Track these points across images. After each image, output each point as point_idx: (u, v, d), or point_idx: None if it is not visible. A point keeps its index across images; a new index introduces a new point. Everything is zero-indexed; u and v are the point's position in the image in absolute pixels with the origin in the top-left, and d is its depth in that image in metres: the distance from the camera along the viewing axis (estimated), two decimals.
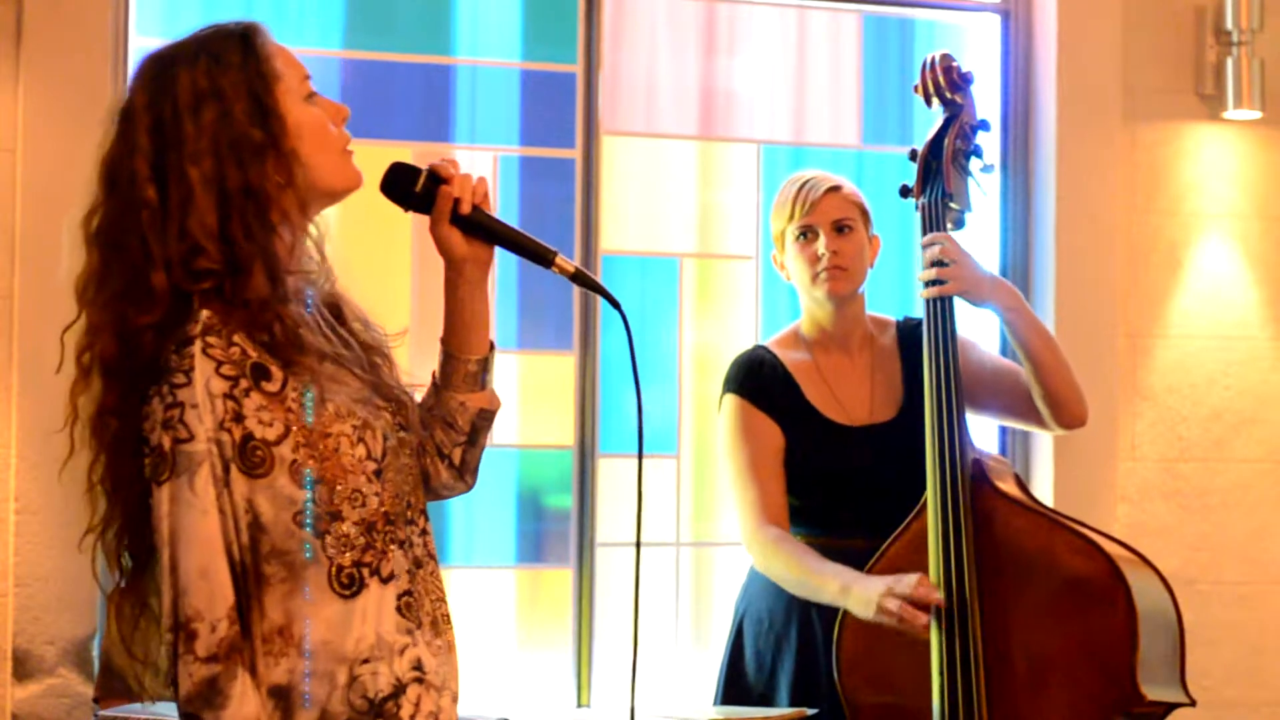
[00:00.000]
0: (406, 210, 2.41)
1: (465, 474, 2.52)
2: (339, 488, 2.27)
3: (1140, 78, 4.84)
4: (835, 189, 3.64)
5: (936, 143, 3.62)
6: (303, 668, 2.25)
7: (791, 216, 3.64)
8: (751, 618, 3.67)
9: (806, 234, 3.63)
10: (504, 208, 4.60)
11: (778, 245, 3.69)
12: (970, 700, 3.33)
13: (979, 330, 3.81)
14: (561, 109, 4.65)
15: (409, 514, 2.36)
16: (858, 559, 3.48)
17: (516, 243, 2.42)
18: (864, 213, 3.67)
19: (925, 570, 3.37)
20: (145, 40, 4.36)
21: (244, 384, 2.24)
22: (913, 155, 3.64)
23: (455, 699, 2.37)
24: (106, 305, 2.29)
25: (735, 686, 3.68)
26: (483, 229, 2.40)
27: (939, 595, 3.31)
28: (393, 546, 2.32)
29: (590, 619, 4.55)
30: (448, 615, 2.40)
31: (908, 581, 3.31)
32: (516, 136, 4.70)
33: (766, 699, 3.62)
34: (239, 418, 2.23)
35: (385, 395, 2.38)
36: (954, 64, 3.66)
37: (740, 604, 3.72)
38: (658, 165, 4.78)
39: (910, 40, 4.99)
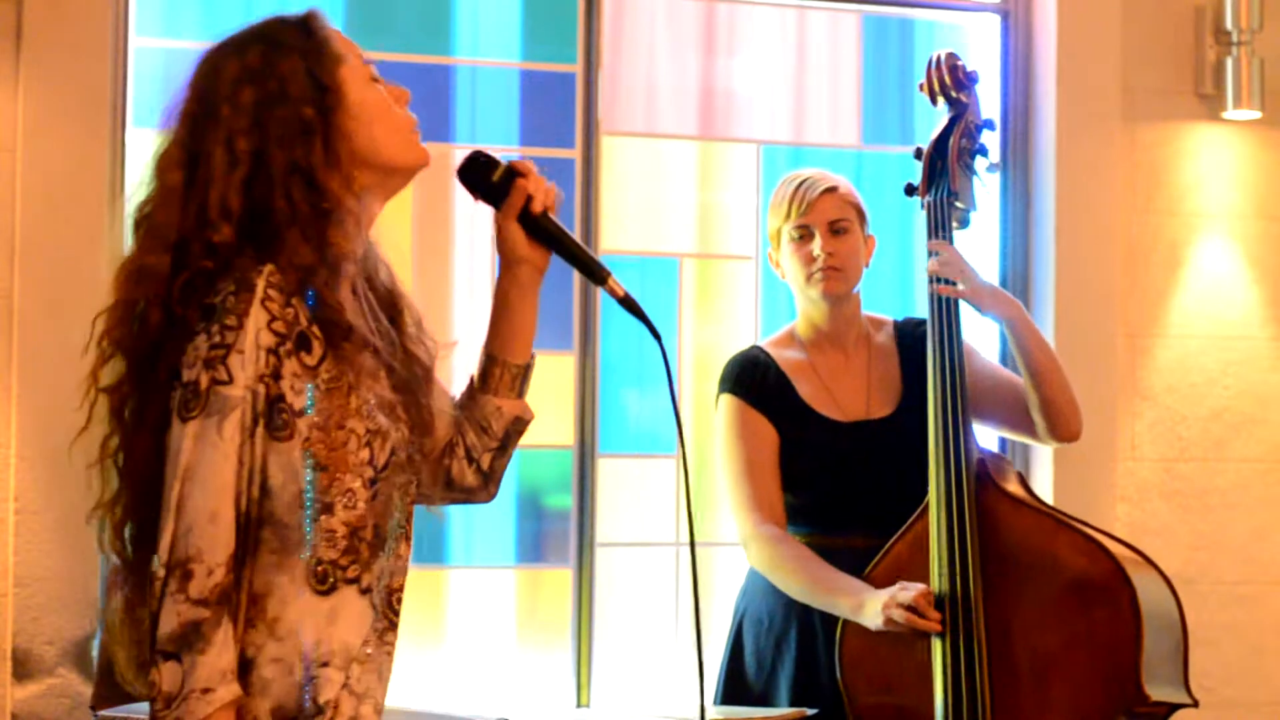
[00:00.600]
0: (477, 199, 2.45)
1: (490, 482, 2.52)
2: (337, 481, 2.25)
3: (1140, 78, 4.83)
4: (832, 189, 3.65)
5: (942, 141, 3.63)
6: (271, 649, 2.24)
7: (788, 216, 3.65)
8: (751, 618, 3.67)
9: (802, 234, 3.64)
10: None
11: (774, 244, 3.70)
12: (973, 700, 3.33)
13: (978, 341, 3.80)
14: (561, 109, 4.65)
15: (397, 533, 2.35)
16: (856, 557, 3.49)
17: (575, 254, 2.46)
18: (860, 213, 3.68)
19: (927, 568, 3.38)
20: (145, 40, 4.36)
21: (289, 346, 2.24)
22: (918, 154, 3.65)
23: (378, 710, 2.33)
24: (126, 283, 2.29)
25: (735, 686, 3.68)
26: (547, 233, 2.44)
27: (935, 614, 3.31)
28: (378, 558, 2.30)
29: (590, 619, 4.54)
30: (397, 625, 2.38)
31: (911, 590, 3.32)
32: (516, 136, 4.70)
33: (766, 699, 3.62)
34: (277, 376, 2.23)
35: (411, 410, 2.37)
36: (959, 63, 3.68)
37: (740, 604, 3.72)
38: (658, 165, 4.78)
39: (910, 40, 4.99)
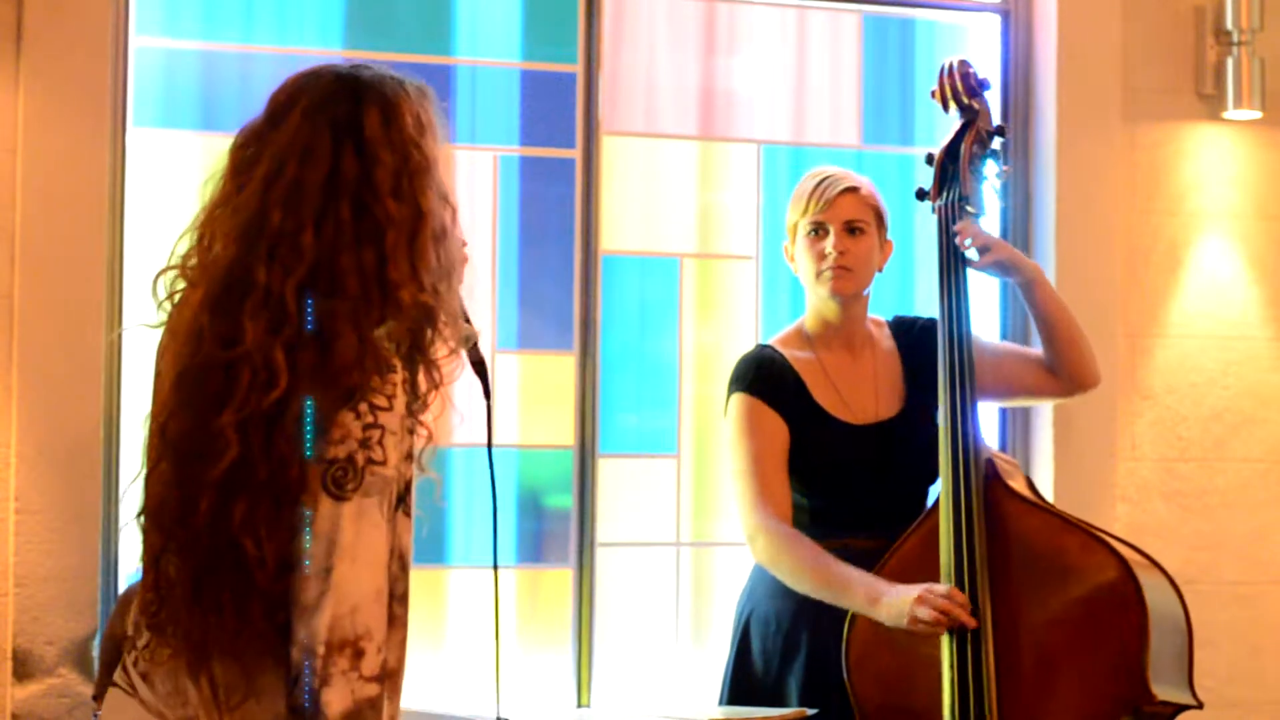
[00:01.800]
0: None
1: None
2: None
3: (1140, 78, 4.83)
4: (853, 190, 3.66)
5: (953, 147, 3.66)
6: (389, 711, 2.27)
7: (805, 210, 3.67)
8: (758, 618, 3.66)
9: (818, 230, 3.65)
10: (504, 208, 4.60)
11: (790, 237, 3.72)
12: (980, 699, 3.33)
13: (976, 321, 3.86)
14: (561, 109, 4.65)
15: None
16: (863, 558, 3.49)
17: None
18: (879, 216, 3.70)
19: (937, 566, 3.38)
20: (145, 40, 4.36)
21: (410, 423, 2.25)
22: (929, 159, 3.68)
23: None
24: (242, 234, 2.24)
25: (742, 687, 3.67)
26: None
27: (967, 615, 3.32)
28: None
29: (590, 619, 4.54)
30: None
31: (939, 590, 3.32)
32: (516, 136, 4.69)
33: (775, 699, 3.61)
34: (410, 456, 2.26)
35: None
36: (971, 69, 3.70)
37: (744, 605, 3.72)
38: (658, 165, 4.78)
39: (910, 40, 4.98)
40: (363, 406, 2.18)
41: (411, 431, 2.24)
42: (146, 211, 4.30)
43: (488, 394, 2.42)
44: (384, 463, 2.19)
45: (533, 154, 4.70)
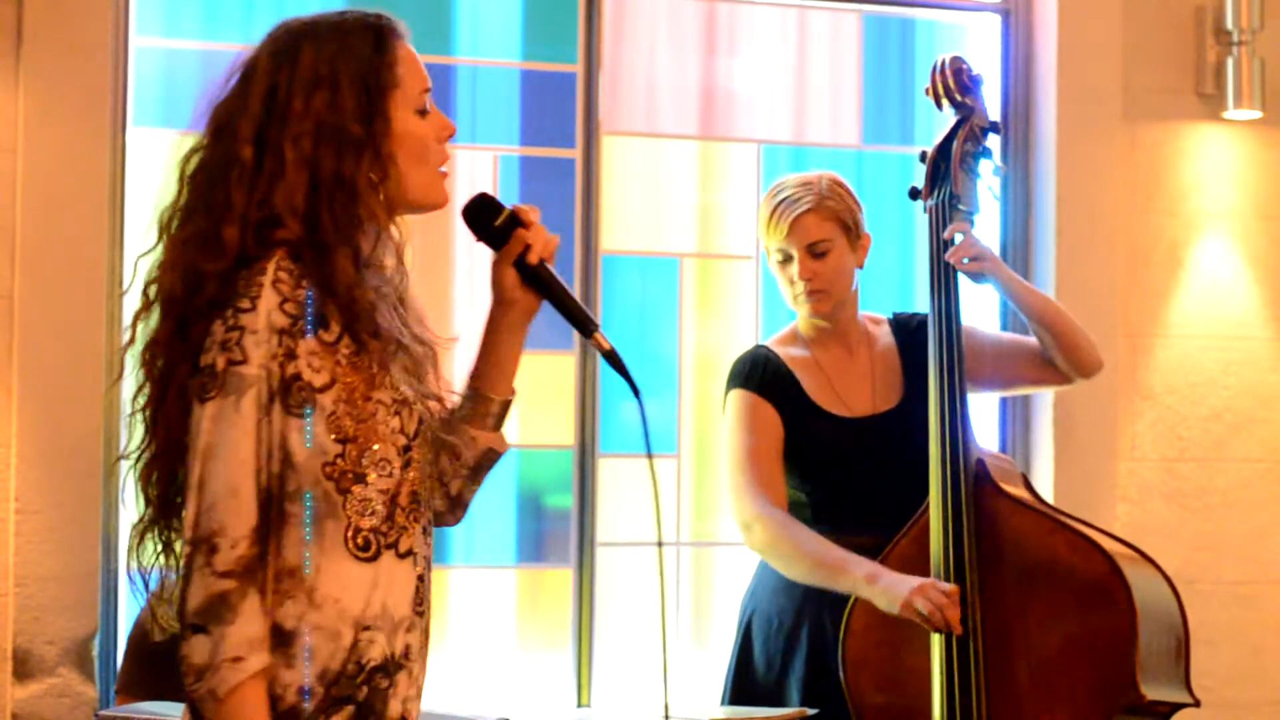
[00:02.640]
0: (478, 240, 2.47)
1: (457, 508, 2.54)
2: (369, 451, 2.30)
3: (1140, 78, 4.83)
4: (811, 209, 3.63)
5: (946, 145, 3.65)
6: (312, 618, 2.28)
7: (769, 234, 3.67)
8: (760, 617, 3.67)
9: (783, 256, 3.65)
10: None
11: (766, 252, 3.72)
12: (969, 699, 3.33)
13: (976, 313, 3.86)
14: (561, 109, 4.65)
15: (424, 508, 2.40)
16: (863, 554, 3.48)
17: (565, 305, 2.48)
18: (844, 226, 3.65)
19: (928, 568, 3.38)
20: (145, 40, 4.36)
21: (302, 325, 2.28)
22: (923, 157, 3.67)
23: (420, 694, 2.39)
24: (181, 244, 2.34)
25: (744, 687, 3.68)
26: (541, 281, 2.46)
27: (956, 621, 3.32)
28: (415, 524, 2.35)
29: (590, 619, 4.54)
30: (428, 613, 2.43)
31: (943, 588, 3.32)
32: (516, 136, 4.70)
33: (777, 698, 3.62)
34: (291, 355, 2.27)
35: (425, 395, 2.42)
36: (964, 66, 3.69)
37: (747, 604, 3.72)
38: (658, 165, 4.78)
39: (910, 40, 4.98)
40: (229, 312, 2.26)
41: (302, 333, 2.27)
42: (146, 211, 4.30)
43: (636, 393, 2.46)
44: (244, 361, 2.25)
45: (533, 154, 4.70)
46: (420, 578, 2.36)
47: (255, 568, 2.24)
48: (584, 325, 2.47)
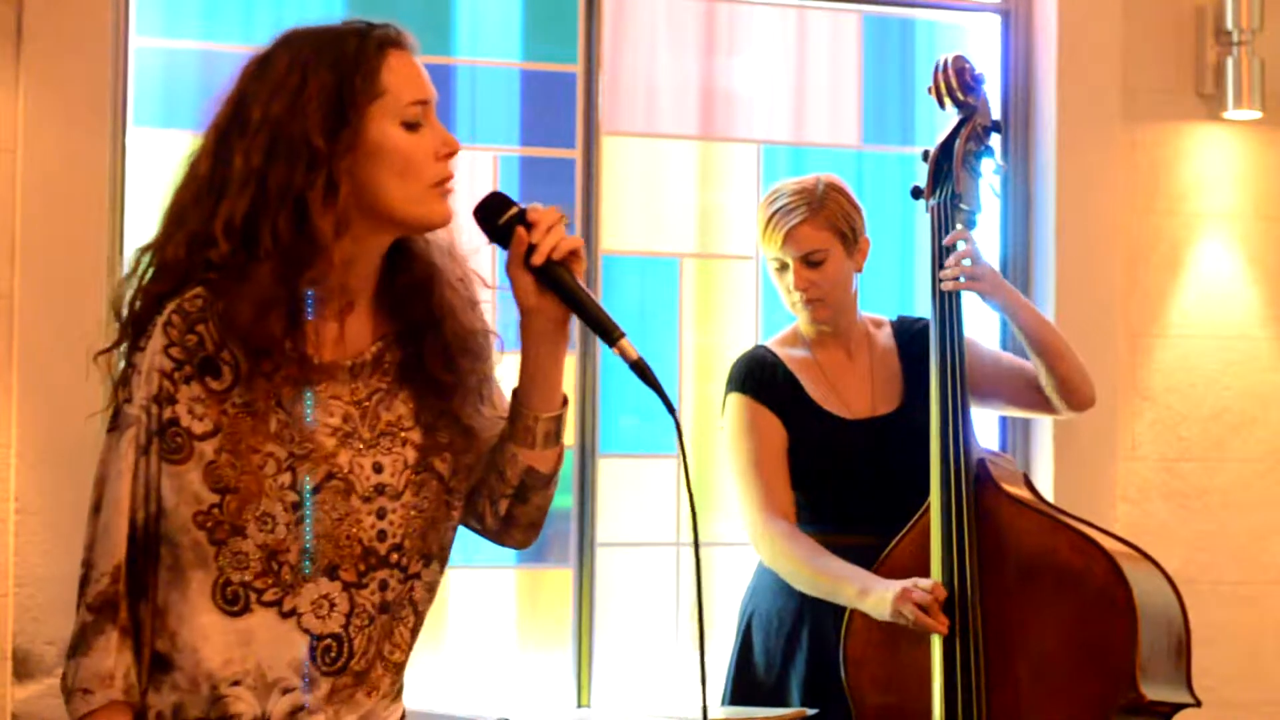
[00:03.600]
0: (490, 241, 2.33)
1: (513, 528, 2.42)
2: (250, 505, 2.23)
3: (1140, 78, 4.83)
4: (807, 219, 3.62)
5: (948, 144, 3.64)
6: (176, 659, 2.26)
7: (765, 242, 3.66)
8: (760, 617, 3.67)
9: (780, 265, 3.65)
10: None
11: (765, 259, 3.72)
12: (970, 699, 3.33)
13: (980, 332, 3.83)
14: (561, 109, 4.65)
15: (394, 556, 2.30)
16: (864, 554, 3.49)
17: (585, 309, 2.28)
18: (840, 234, 3.64)
19: (929, 568, 3.38)
20: (145, 40, 4.36)
21: (186, 370, 2.24)
22: (925, 156, 3.66)
23: None
24: (143, 264, 2.31)
25: (744, 686, 3.68)
26: (555, 284, 2.29)
27: (944, 618, 3.32)
28: (308, 584, 2.25)
29: (590, 619, 4.54)
30: (395, 667, 2.35)
31: (924, 586, 3.32)
32: (516, 137, 4.70)
33: (777, 698, 3.62)
34: (170, 400, 2.24)
35: (432, 432, 2.33)
36: (967, 65, 3.69)
37: (747, 604, 3.72)
38: (658, 165, 4.78)
39: (910, 40, 4.99)
40: (137, 350, 2.27)
41: (185, 379, 2.23)
42: (146, 212, 4.30)
43: (670, 409, 2.29)
44: (129, 400, 2.26)
45: (533, 154, 4.70)
46: (323, 637, 2.26)
47: (116, 604, 2.23)
48: (607, 333, 2.26)
